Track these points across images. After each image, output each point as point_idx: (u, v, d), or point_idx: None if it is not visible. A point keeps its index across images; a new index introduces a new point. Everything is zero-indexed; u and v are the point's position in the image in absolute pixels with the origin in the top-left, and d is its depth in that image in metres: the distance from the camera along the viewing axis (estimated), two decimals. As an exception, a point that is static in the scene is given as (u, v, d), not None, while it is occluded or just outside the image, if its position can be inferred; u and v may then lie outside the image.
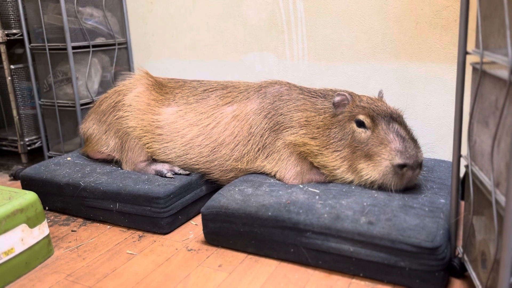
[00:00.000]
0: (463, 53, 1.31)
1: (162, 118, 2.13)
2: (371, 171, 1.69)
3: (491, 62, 1.18)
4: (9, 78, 2.70)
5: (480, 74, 1.22)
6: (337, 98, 1.85)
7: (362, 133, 1.74)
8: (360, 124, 1.76)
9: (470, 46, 1.31)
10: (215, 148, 2.02)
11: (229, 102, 2.08)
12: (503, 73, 1.06)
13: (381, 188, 1.70)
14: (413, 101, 2.13)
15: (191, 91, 2.20)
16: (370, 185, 1.72)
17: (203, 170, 2.04)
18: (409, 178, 1.65)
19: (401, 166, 1.62)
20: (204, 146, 2.03)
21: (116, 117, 2.16)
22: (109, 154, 2.21)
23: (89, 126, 2.27)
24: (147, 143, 2.12)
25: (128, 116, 2.14)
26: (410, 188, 1.69)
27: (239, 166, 1.99)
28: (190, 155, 2.06)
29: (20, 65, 2.77)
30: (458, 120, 1.37)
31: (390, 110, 1.76)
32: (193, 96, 2.17)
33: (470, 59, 1.32)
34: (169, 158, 2.10)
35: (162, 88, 2.24)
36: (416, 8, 2.03)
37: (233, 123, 2.02)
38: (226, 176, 2.03)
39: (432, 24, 2.02)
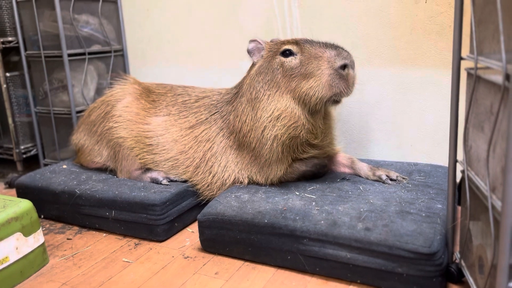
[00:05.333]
0: (458, 58, 1.32)
1: (150, 127, 2.10)
2: (317, 87, 1.70)
3: (486, 67, 1.19)
4: (5, 85, 2.69)
5: (475, 79, 1.22)
6: (251, 45, 1.88)
7: (292, 60, 1.76)
8: (288, 53, 1.78)
9: (465, 51, 1.31)
10: (195, 170, 2.00)
11: (199, 120, 2.05)
12: (498, 78, 1.07)
13: (334, 101, 1.74)
14: (409, 107, 2.14)
15: (175, 100, 2.17)
16: (320, 103, 1.72)
17: (194, 187, 2.01)
18: (352, 79, 1.70)
19: (343, 67, 1.68)
20: (187, 166, 2.02)
21: (106, 127, 2.14)
22: (104, 164, 2.20)
23: (80, 137, 2.26)
24: (139, 154, 2.09)
25: (118, 127, 2.12)
26: (407, 194, 1.70)
27: (221, 188, 1.95)
28: (178, 170, 2.04)
29: (16, 73, 2.76)
30: (454, 125, 1.37)
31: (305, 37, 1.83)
32: (176, 107, 2.14)
33: (464, 64, 1.32)
34: (162, 170, 2.08)
35: (149, 95, 2.21)
36: (410, 14, 2.04)
37: (201, 144, 1.99)
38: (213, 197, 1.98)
39: (427, 30, 2.03)
